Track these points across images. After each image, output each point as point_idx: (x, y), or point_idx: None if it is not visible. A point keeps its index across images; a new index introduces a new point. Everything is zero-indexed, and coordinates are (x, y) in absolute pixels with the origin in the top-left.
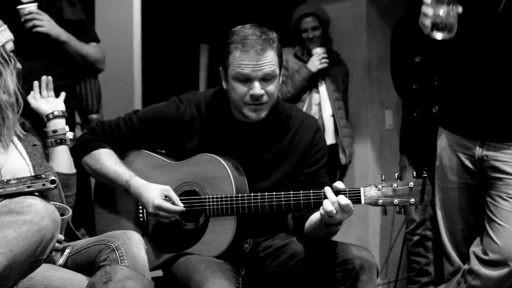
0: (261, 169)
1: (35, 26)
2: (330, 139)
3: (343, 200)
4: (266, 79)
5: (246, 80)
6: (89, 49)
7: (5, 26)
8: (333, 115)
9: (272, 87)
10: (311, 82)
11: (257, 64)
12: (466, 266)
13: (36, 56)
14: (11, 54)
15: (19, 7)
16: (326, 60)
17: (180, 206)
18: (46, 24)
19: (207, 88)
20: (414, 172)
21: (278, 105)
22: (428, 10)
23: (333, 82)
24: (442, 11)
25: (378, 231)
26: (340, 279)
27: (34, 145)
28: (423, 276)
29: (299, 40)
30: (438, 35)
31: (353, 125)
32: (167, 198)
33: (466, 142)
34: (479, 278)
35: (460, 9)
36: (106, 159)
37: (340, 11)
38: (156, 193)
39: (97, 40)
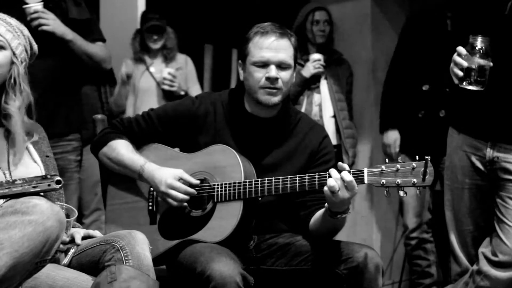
0: (269, 165)
1: (40, 25)
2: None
3: (347, 176)
4: (281, 66)
5: (264, 65)
6: (95, 48)
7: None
8: (334, 116)
9: (286, 75)
10: (306, 87)
11: (276, 48)
12: (474, 267)
13: (42, 55)
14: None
15: (24, 6)
16: (321, 67)
17: (191, 189)
18: (52, 23)
19: (211, 88)
20: (417, 156)
21: (289, 105)
22: (461, 61)
23: (336, 82)
24: (475, 65)
25: (382, 231)
26: (344, 277)
27: (47, 156)
28: (425, 278)
29: (301, 40)
30: (469, 87)
31: (356, 126)
32: (180, 180)
33: (477, 143)
34: (488, 279)
35: (491, 64)
36: (122, 148)
37: (345, 12)
38: (169, 174)
39: (103, 40)
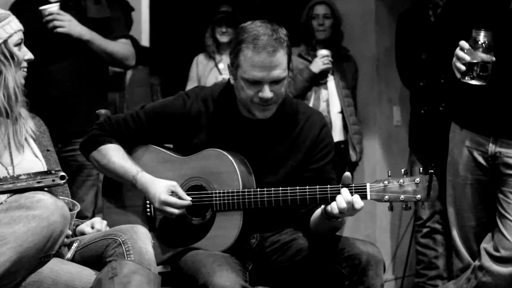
0: (267, 165)
1: (56, 27)
2: (337, 136)
3: (358, 204)
4: (275, 81)
5: (256, 82)
6: (116, 47)
7: (10, 18)
8: (341, 112)
9: (280, 88)
10: (314, 82)
11: (268, 66)
12: (477, 263)
13: (60, 56)
14: (15, 49)
15: (41, 8)
16: (330, 63)
17: (186, 200)
18: (67, 24)
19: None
20: (421, 168)
21: (285, 101)
22: (464, 55)
23: (343, 78)
24: (478, 59)
25: (386, 227)
26: (347, 274)
27: (48, 150)
28: (430, 269)
29: (306, 37)
30: (472, 82)
31: (361, 122)
32: (173, 193)
33: (479, 139)
34: (490, 274)
35: (494, 58)
36: (113, 154)
37: (349, 8)
38: (162, 188)
39: (125, 36)
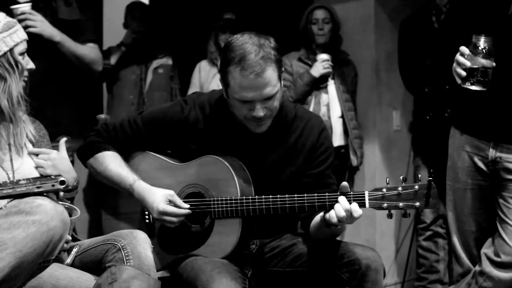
0: (267, 171)
1: (27, 27)
2: (338, 140)
3: (356, 213)
4: (267, 98)
5: (247, 101)
6: (85, 50)
7: (17, 27)
8: (342, 116)
9: (274, 103)
10: (314, 87)
11: (258, 86)
12: (477, 268)
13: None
14: (19, 58)
15: (12, 7)
16: (330, 67)
17: (184, 209)
18: (39, 24)
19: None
20: (420, 175)
21: (282, 106)
22: (464, 61)
23: (343, 83)
24: (478, 65)
25: (386, 232)
26: (346, 280)
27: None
28: (431, 273)
29: (306, 41)
30: (472, 87)
31: (360, 126)
32: (171, 202)
33: (479, 144)
34: (491, 280)
35: (494, 64)
36: (110, 162)
37: (348, 12)
38: (160, 198)
39: (94, 41)
